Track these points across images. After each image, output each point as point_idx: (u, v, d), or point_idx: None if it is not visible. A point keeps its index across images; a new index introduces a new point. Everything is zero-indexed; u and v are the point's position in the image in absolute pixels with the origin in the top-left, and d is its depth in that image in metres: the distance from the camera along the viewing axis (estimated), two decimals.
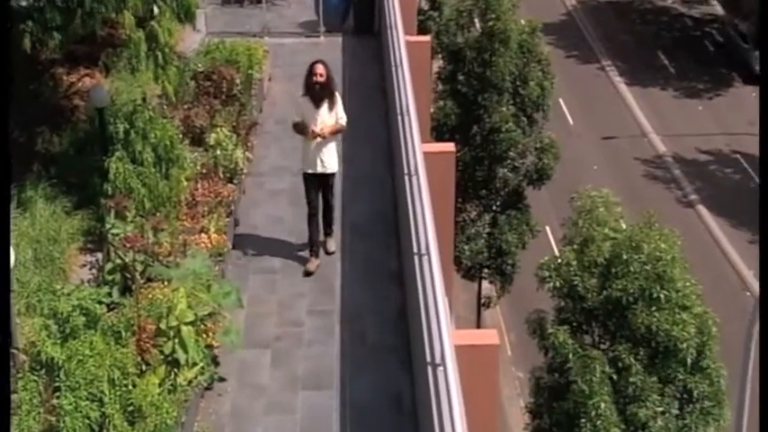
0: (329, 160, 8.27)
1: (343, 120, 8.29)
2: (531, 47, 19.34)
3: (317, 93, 8.09)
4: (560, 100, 29.97)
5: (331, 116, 8.19)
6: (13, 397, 5.59)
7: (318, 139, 8.11)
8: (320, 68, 8.17)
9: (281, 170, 10.10)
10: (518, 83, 19.24)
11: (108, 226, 7.40)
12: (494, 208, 20.09)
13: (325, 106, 8.14)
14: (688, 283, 12.16)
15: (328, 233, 8.50)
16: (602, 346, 12.51)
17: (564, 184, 22.85)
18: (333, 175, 8.34)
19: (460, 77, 19.46)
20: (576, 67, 33.63)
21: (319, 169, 8.22)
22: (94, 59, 10.42)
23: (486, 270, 19.93)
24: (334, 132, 8.29)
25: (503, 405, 19.05)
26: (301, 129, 8.23)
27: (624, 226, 13.16)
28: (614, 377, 11.86)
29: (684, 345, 11.67)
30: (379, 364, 7.13)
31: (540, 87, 19.37)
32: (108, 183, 7.81)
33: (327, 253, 8.38)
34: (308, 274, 8.13)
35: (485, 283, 20.86)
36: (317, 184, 8.28)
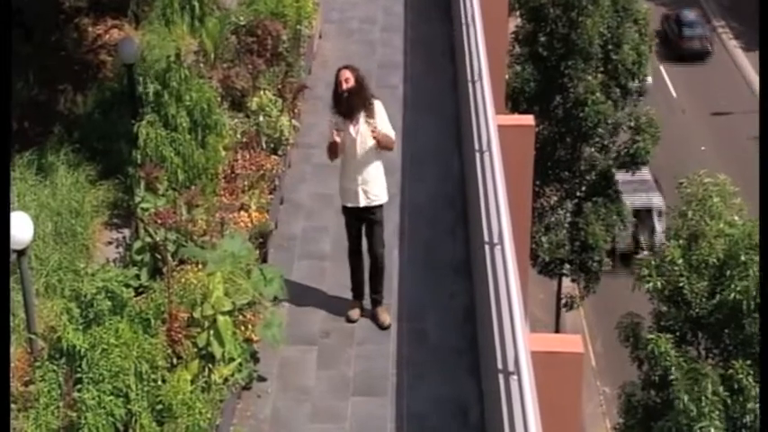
0: (374, 189, 7.47)
1: (391, 133, 7.52)
2: (626, 3, 19.08)
3: (347, 103, 7.36)
4: (661, 68, 29.51)
5: (369, 131, 7.41)
6: (31, 388, 5.83)
7: (358, 160, 7.37)
8: (346, 73, 7.39)
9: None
10: (609, 46, 19.02)
11: (137, 199, 7.61)
12: (578, 194, 19.96)
13: (361, 120, 7.38)
14: None
15: (377, 300, 7.61)
16: (711, 361, 12.32)
17: (664, 168, 22.55)
18: (379, 208, 7.52)
19: (542, 39, 19.34)
20: None
21: (362, 202, 7.45)
22: (123, 9, 10.64)
23: (567, 266, 19.82)
24: (383, 145, 7.42)
25: (585, 424, 18.98)
26: (336, 153, 7.46)
27: (739, 220, 12.91)
28: (727, 400, 11.62)
29: None
30: (442, 369, 7.20)
31: (635, 52, 19.12)
32: (137, 150, 7.99)
33: (382, 328, 7.51)
34: (350, 321, 7.55)
35: (565, 281, 20.75)
36: (360, 220, 7.55)
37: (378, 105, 7.53)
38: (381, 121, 7.50)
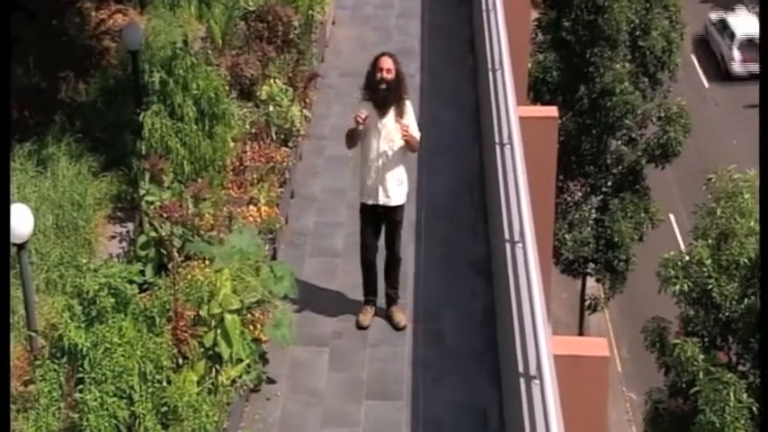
0: (394, 188, 7.48)
1: (417, 135, 7.53)
2: None
3: (383, 95, 7.33)
4: (692, 56, 29.35)
5: (398, 128, 7.41)
6: (31, 388, 5.89)
7: (380, 156, 7.40)
8: (388, 62, 7.34)
9: (344, 133, 10.23)
10: (638, 33, 18.94)
11: (141, 192, 7.66)
12: (604, 189, 19.90)
13: (390, 115, 7.38)
14: None
15: (392, 298, 7.68)
16: (741, 368, 12.26)
17: (695, 163, 22.44)
18: (399, 209, 7.57)
19: (565, 26, 19.26)
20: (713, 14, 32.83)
21: (381, 200, 7.47)
22: None
23: (591, 265, 19.78)
24: (410, 147, 7.47)
25: (610, 431, 18.95)
26: (355, 140, 7.49)
27: None
28: (754, 408, 11.59)
29: None
30: (460, 372, 7.21)
31: (665, 40, 19.04)
32: (142, 140, 8.04)
33: (397, 328, 7.58)
34: (360, 327, 7.60)
35: (590, 281, 20.71)
36: (378, 220, 7.58)
37: (408, 105, 7.53)
38: (409, 121, 7.49)
